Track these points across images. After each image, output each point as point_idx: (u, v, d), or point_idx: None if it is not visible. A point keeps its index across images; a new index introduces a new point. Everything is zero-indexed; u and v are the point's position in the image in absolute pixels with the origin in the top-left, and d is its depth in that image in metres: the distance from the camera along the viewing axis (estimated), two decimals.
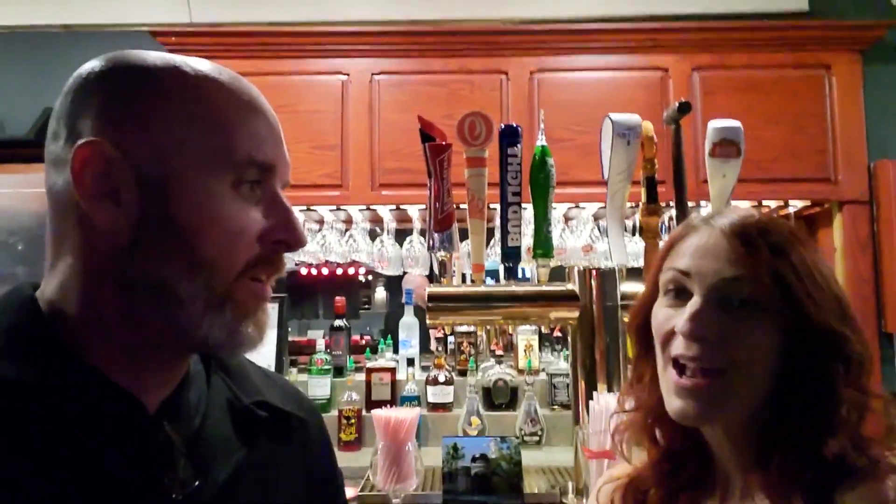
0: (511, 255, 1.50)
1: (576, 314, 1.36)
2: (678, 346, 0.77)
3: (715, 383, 0.75)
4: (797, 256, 0.75)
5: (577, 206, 2.73)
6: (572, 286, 1.38)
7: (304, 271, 2.84)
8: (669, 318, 0.79)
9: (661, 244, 0.87)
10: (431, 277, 2.76)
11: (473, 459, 1.53)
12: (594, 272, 1.37)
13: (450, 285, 1.43)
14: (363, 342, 5.19)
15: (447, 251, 1.49)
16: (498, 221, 1.54)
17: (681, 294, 0.79)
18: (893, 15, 2.84)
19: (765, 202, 2.69)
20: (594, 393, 1.23)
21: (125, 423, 0.62)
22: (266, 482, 0.72)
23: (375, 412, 1.20)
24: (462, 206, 1.50)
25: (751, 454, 0.77)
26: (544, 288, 1.41)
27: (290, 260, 2.85)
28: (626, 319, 1.38)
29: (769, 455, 0.74)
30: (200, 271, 0.61)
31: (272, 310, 2.91)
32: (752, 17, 2.81)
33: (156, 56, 0.65)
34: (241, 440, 0.71)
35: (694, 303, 0.77)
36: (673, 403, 0.77)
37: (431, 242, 1.48)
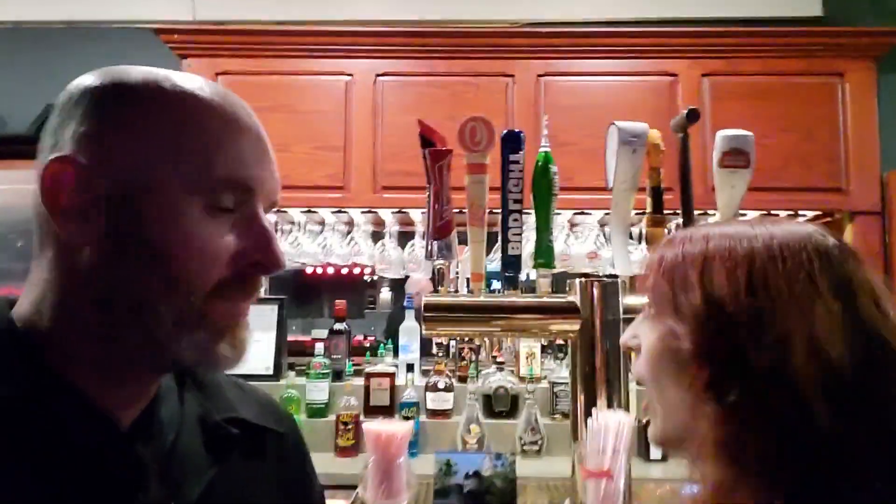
0: (511, 265, 1.45)
1: (576, 327, 1.32)
2: None
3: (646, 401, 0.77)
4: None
5: (582, 212, 2.69)
6: (573, 298, 1.34)
7: (308, 270, 2.81)
8: None
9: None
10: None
11: (467, 476, 1.49)
12: (595, 283, 1.33)
13: (447, 295, 1.39)
14: (366, 343, 5.17)
15: (446, 259, 1.44)
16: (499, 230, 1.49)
17: None
18: None
19: (774, 211, 2.64)
20: (593, 410, 1.19)
21: (97, 442, 0.61)
22: (240, 500, 0.72)
23: (366, 425, 1.16)
24: (463, 209, 1.46)
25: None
26: (544, 300, 1.37)
27: (291, 260, 2.82)
28: None
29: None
30: (173, 290, 0.60)
31: (271, 311, 2.88)
32: (765, 23, 2.76)
33: (141, 72, 0.64)
34: (213, 458, 0.70)
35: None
36: None
37: (429, 250, 1.44)
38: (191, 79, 0.65)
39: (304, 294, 7.46)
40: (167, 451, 0.67)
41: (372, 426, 1.18)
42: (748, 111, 2.57)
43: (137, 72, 0.64)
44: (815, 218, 2.71)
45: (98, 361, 0.62)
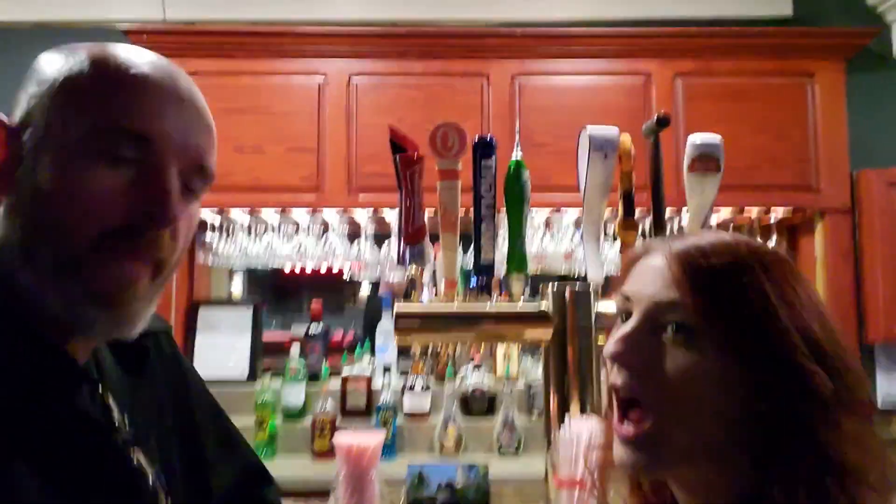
0: (485, 271, 1.45)
1: (549, 335, 1.32)
2: (612, 375, 0.69)
3: (646, 429, 0.65)
4: (750, 282, 0.64)
5: (557, 212, 2.69)
6: (545, 305, 1.34)
7: (287, 269, 2.79)
8: None
9: (623, 263, 0.79)
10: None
11: (439, 488, 1.48)
12: (568, 290, 1.33)
13: (419, 303, 1.38)
14: (346, 341, 5.13)
15: (418, 265, 1.44)
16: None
17: (627, 320, 0.71)
18: (878, 23, 2.82)
19: (746, 209, 2.67)
20: (566, 416, 1.19)
21: (66, 380, 0.66)
22: (150, 403, 0.79)
23: (337, 437, 1.15)
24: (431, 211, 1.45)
25: None
26: (516, 308, 1.36)
27: (267, 263, 2.79)
28: (601, 341, 1.34)
29: None
30: (54, 233, 0.61)
31: (246, 314, 2.85)
32: (737, 23, 2.78)
33: (82, 44, 0.68)
34: (130, 378, 0.76)
35: (626, 325, 0.69)
36: (616, 451, 0.69)
37: (401, 256, 1.43)
38: (125, 48, 0.68)
39: (284, 292, 7.41)
40: (102, 378, 0.72)
41: (343, 438, 1.17)
42: (720, 111, 2.59)
43: (79, 45, 0.68)
44: (787, 216, 2.74)
45: (33, 300, 0.64)
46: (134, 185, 0.63)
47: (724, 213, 2.72)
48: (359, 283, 7.56)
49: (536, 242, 2.75)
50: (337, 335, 5.67)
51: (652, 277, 0.69)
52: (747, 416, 0.62)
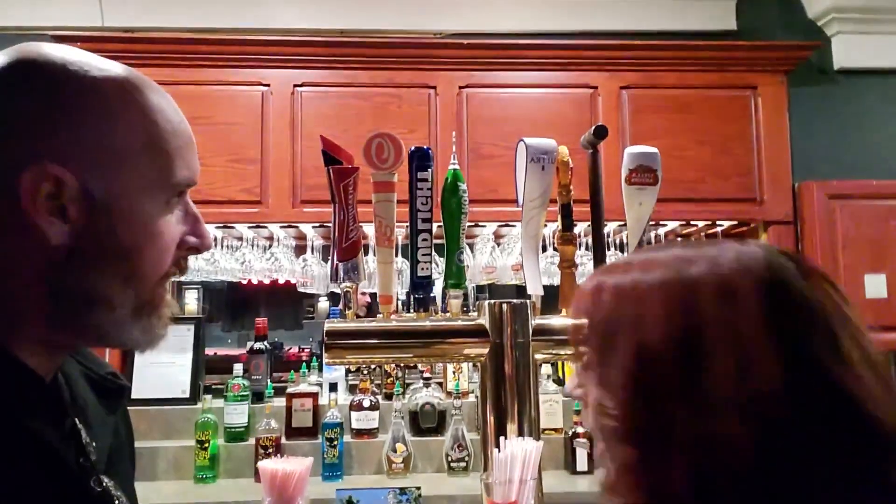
0: (421, 286, 1.41)
1: (485, 350, 1.28)
2: None
3: (599, 451, 0.67)
4: (624, 341, 0.63)
5: (507, 225, 2.67)
6: (482, 320, 1.30)
7: (244, 281, 2.71)
8: None
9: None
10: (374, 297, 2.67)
11: None
12: (505, 305, 1.29)
13: (352, 320, 1.33)
14: (303, 355, 5.02)
15: (353, 281, 1.39)
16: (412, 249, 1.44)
17: None
18: (819, 37, 2.88)
19: (692, 222, 2.69)
20: (500, 439, 1.15)
21: (32, 396, 0.66)
22: (120, 443, 0.81)
23: (261, 464, 1.09)
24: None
25: None
26: (452, 323, 1.32)
27: (209, 276, 2.71)
28: (538, 357, 1.31)
29: None
30: (132, 283, 0.66)
31: (187, 331, 2.75)
32: (681, 36, 2.81)
33: (106, 68, 0.67)
34: (108, 408, 0.78)
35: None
36: None
37: (334, 273, 1.38)
38: (145, 80, 0.70)
39: (241, 306, 7.25)
40: (73, 402, 0.73)
41: (267, 465, 1.11)
42: (666, 123, 2.61)
43: (102, 68, 0.66)
44: (732, 228, 2.77)
45: (38, 338, 0.66)
46: (180, 223, 0.70)
47: (671, 225, 2.73)
48: (318, 296, 7.48)
49: (486, 255, 2.73)
50: (293, 350, 5.56)
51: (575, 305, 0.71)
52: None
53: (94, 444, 0.71)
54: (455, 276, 1.41)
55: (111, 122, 0.65)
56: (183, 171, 0.69)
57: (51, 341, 0.67)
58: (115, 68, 0.68)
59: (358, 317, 1.39)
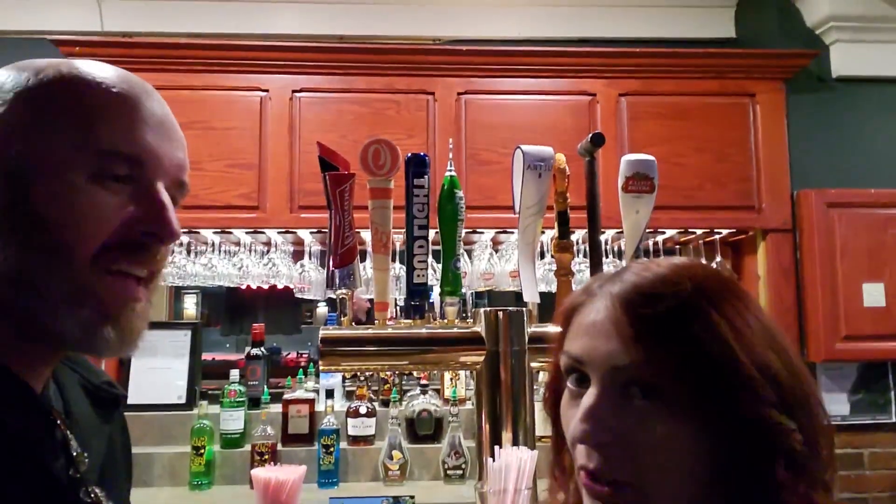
0: (418, 293, 1.40)
1: (481, 358, 1.27)
2: (580, 455, 0.63)
3: (624, 493, 0.61)
4: (702, 325, 0.60)
5: (505, 231, 2.66)
6: (478, 328, 1.29)
7: (243, 286, 2.70)
8: (572, 417, 0.64)
9: (559, 308, 0.72)
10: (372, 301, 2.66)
11: None
12: (501, 313, 1.29)
13: (348, 327, 1.32)
14: (301, 360, 5.01)
15: (349, 287, 1.38)
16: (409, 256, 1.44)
17: (583, 381, 0.65)
18: (817, 45, 2.88)
19: (690, 229, 2.68)
20: (495, 448, 1.14)
21: (19, 405, 0.64)
22: (115, 453, 0.79)
23: (255, 472, 1.08)
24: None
25: None
26: (448, 330, 1.32)
27: (207, 281, 2.70)
28: (534, 365, 1.30)
29: None
30: (54, 259, 0.62)
31: (184, 336, 2.74)
32: (680, 44, 2.81)
33: (45, 60, 0.67)
34: (103, 417, 0.77)
35: (587, 397, 0.62)
36: None
37: (330, 279, 1.37)
38: (94, 65, 0.68)
39: (238, 310, 7.24)
40: (64, 412, 0.71)
41: (260, 473, 1.11)
42: (664, 131, 2.61)
43: (41, 61, 0.67)
44: (730, 236, 2.77)
45: (7, 336, 0.64)
46: (128, 204, 0.65)
47: (669, 233, 2.73)
48: (316, 302, 7.46)
49: (484, 261, 2.72)
50: (291, 356, 5.54)
51: (601, 334, 0.63)
52: (720, 475, 0.60)
53: (85, 454, 0.70)
54: (451, 283, 1.41)
55: (30, 99, 0.64)
56: (111, 137, 0.64)
57: (11, 341, 0.64)
58: (64, 61, 0.68)
59: (359, 322, 1.39)
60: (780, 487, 0.58)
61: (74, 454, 0.69)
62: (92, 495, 0.69)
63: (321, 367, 1.25)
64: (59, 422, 0.69)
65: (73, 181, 0.63)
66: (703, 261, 2.42)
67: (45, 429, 0.67)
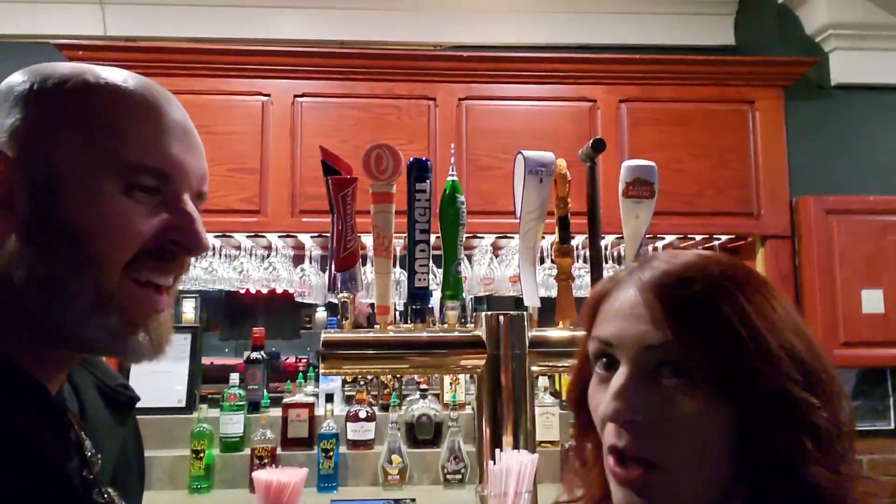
0: (419, 297, 1.41)
1: (482, 362, 1.28)
2: (609, 434, 0.65)
3: (653, 474, 0.62)
4: (731, 307, 0.62)
5: (505, 236, 2.67)
6: (479, 332, 1.30)
7: (242, 290, 2.71)
8: (601, 399, 0.66)
9: (587, 298, 0.75)
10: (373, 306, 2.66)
11: None
12: (502, 317, 1.30)
13: (349, 331, 1.33)
14: (299, 365, 5.00)
15: (350, 291, 1.39)
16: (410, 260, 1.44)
17: (611, 366, 0.67)
18: (816, 52, 2.90)
19: (690, 235, 2.69)
20: (496, 451, 1.15)
21: (34, 409, 0.65)
22: (127, 455, 0.81)
23: (256, 474, 1.09)
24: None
25: None
26: (449, 334, 1.32)
27: (207, 285, 2.70)
28: (534, 368, 1.31)
29: None
30: (87, 266, 0.63)
31: (184, 340, 2.75)
32: (679, 51, 2.82)
33: (68, 66, 0.67)
34: (117, 419, 0.78)
35: (617, 377, 0.64)
36: (615, 494, 0.65)
37: (332, 283, 1.38)
38: (116, 72, 0.68)
39: (238, 315, 7.24)
40: (79, 415, 0.72)
41: (261, 475, 1.11)
42: (664, 137, 2.62)
43: (64, 67, 0.67)
44: (730, 241, 2.78)
45: (24, 338, 0.64)
46: (158, 215, 0.67)
47: (669, 238, 2.74)
48: (315, 306, 7.46)
49: (484, 266, 2.73)
50: (290, 360, 5.54)
51: (632, 317, 0.65)
52: (749, 455, 0.62)
53: (99, 455, 0.71)
54: (452, 287, 1.41)
55: (59, 109, 0.65)
56: (134, 154, 0.65)
57: (32, 342, 0.65)
58: (71, 66, 0.68)
59: (361, 326, 1.39)
60: (807, 460, 0.59)
61: (88, 454, 0.69)
62: (105, 496, 0.70)
63: (322, 371, 1.25)
64: (73, 423, 0.70)
65: (105, 192, 0.64)
66: None
67: (60, 430, 0.68)
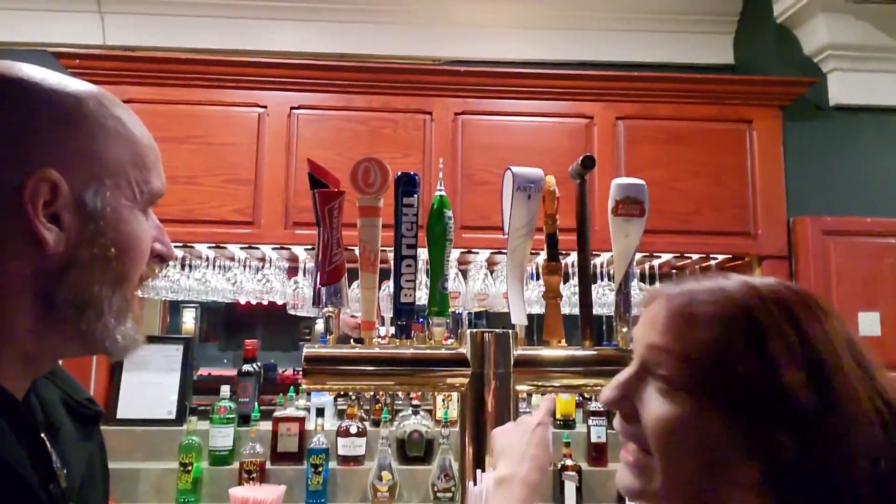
0: (404, 312, 1.39)
1: (466, 379, 1.26)
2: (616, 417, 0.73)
3: (641, 459, 0.68)
4: (732, 342, 0.64)
5: (500, 252, 2.66)
6: (464, 350, 1.28)
7: (242, 301, 2.69)
8: None
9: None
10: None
11: None
12: (487, 334, 1.28)
13: (333, 346, 1.31)
14: (297, 377, 4.96)
15: (336, 306, 1.37)
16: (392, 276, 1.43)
17: None
18: (815, 73, 2.89)
19: (686, 254, 2.67)
20: (476, 472, 1.13)
21: (6, 418, 0.64)
22: (93, 470, 0.80)
23: (232, 491, 1.07)
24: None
25: None
26: (434, 351, 1.30)
27: (200, 296, 2.69)
28: (519, 388, 1.29)
29: None
30: (119, 286, 0.68)
31: (175, 351, 2.73)
32: (678, 69, 2.82)
33: (87, 87, 0.70)
34: (84, 434, 0.78)
35: (623, 371, 0.72)
36: (618, 470, 0.73)
37: (317, 297, 1.36)
38: (117, 100, 0.73)
39: (236, 326, 7.22)
40: (48, 428, 0.72)
41: (238, 492, 1.09)
42: (661, 155, 2.61)
43: (84, 89, 0.69)
44: (726, 261, 2.76)
45: (19, 353, 0.66)
46: (152, 231, 0.74)
47: (665, 257, 2.72)
48: (315, 318, 7.44)
49: (479, 282, 2.71)
50: (287, 372, 5.52)
51: (647, 323, 0.71)
52: (745, 451, 0.63)
53: (65, 470, 0.70)
54: (438, 303, 1.39)
55: (98, 134, 0.68)
56: (157, 181, 0.73)
57: (31, 354, 0.66)
58: (85, 85, 0.70)
59: (354, 340, 1.37)
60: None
61: (55, 468, 0.69)
62: None
63: (304, 386, 1.23)
64: (40, 435, 0.69)
65: (135, 217, 0.70)
66: None
67: (27, 442, 0.67)
